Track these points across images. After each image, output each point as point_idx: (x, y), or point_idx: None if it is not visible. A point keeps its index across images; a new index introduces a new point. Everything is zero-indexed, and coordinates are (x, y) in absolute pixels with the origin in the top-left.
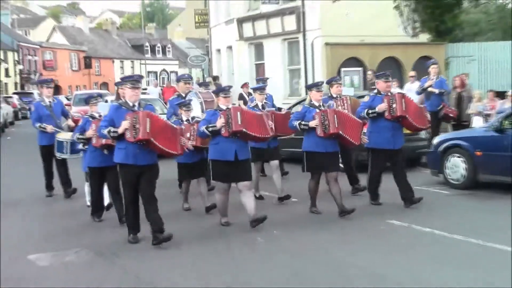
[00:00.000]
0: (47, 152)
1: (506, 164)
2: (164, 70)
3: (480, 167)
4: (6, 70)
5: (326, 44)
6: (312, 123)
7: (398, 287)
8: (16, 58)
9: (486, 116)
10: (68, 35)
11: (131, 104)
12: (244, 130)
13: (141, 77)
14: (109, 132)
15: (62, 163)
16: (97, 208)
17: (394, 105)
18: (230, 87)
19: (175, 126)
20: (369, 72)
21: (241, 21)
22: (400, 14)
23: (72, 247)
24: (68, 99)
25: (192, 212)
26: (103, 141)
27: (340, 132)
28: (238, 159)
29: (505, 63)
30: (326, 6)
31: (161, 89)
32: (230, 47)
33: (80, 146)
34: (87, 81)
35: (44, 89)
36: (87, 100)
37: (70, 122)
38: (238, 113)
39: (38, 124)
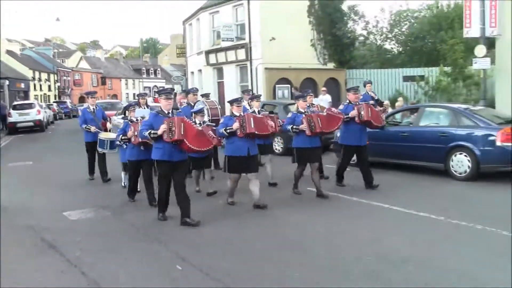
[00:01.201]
0: (90, 146)
1: (385, 150)
2: (155, 86)
3: (369, 152)
4: (49, 86)
5: (266, 68)
6: (301, 127)
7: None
8: (56, 78)
9: None
10: (90, 62)
11: (166, 111)
12: (256, 132)
13: (172, 89)
14: (149, 134)
15: (102, 158)
16: (133, 190)
17: (362, 112)
18: (242, 98)
19: (200, 128)
20: (293, 88)
21: (207, 53)
22: (315, 49)
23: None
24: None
25: (199, 194)
26: (140, 139)
27: (324, 130)
28: (250, 154)
29: (381, 83)
30: (266, 43)
31: (153, 99)
32: (200, 70)
33: (118, 143)
34: (103, 94)
35: (89, 99)
36: (127, 108)
37: (108, 125)
38: (252, 118)
39: (84, 125)
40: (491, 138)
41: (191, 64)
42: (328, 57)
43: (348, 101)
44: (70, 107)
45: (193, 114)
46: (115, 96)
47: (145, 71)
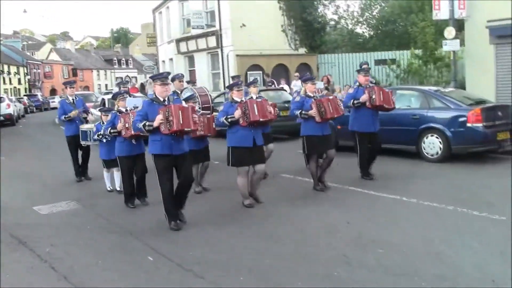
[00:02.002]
0: (73, 141)
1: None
2: (127, 76)
3: (340, 136)
4: (19, 79)
5: (237, 55)
6: (311, 113)
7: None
8: (26, 71)
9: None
10: (60, 54)
11: (161, 99)
12: (261, 119)
13: (169, 73)
14: (144, 125)
15: (86, 151)
16: (130, 195)
17: (373, 96)
18: (242, 82)
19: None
20: (265, 75)
21: (178, 41)
22: (286, 35)
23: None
24: (61, 97)
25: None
26: (132, 132)
27: (335, 115)
28: (256, 144)
29: (353, 67)
30: (236, 30)
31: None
32: (171, 59)
33: (96, 137)
34: (75, 85)
35: (68, 89)
36: (114, 96)
37: (90, 117)
38: (255, 105)
39: (63, 116)
40: (462, 119)
41: (162, 53)
42: (299, 43)
43: (357, 84)
44: (41, 100)
45: (184, 102)
46: (87, 87)
47: (116, 61)
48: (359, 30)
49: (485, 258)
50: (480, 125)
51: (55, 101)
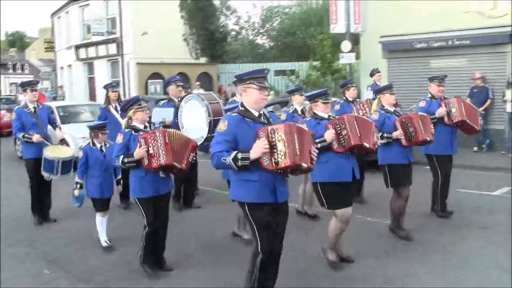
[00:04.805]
0: (35, 167)
1: None
2: (22, 82)
3: None
4: None
5: (137, 63)
6: (396, 134)
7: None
8: None
9: None
10: None
11: (256, 113)
12: (364, 144)
13: (266, 71)
14: (235, 159)
15: (46, 182)
16: (156, 252)
17: (453, 110)
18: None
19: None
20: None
21: (77, 47)
22: (187, 44)
23: None
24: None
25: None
26: (162, 161)
27: (427, 138)
28: (355, 178)
29: None
30: (137, 37)
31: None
32: (70, 65)
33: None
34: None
35: (28, 93)
36: (126, 106)
37: (58, 133)
38: (355, 122)
39: (21, 134)
40: None
41: (60, 59)
42: (200, 52)
43: (430, 96)
44: None
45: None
46: None
47: (11, 66)
48: (259, 41)
49: (377, 258)
50: None
51: None
